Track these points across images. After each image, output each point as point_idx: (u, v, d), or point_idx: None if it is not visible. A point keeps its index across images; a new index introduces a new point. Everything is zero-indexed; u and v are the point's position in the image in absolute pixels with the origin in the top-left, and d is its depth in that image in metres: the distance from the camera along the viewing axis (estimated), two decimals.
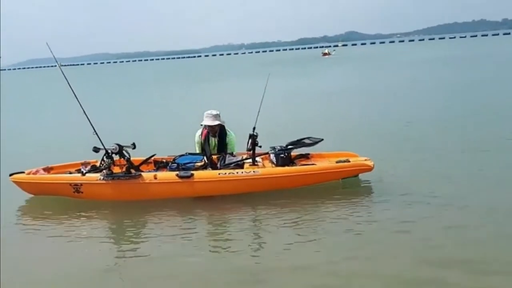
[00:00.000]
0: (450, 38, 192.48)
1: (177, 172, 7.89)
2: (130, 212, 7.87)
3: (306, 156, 8.90)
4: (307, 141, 8.59)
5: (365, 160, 8.56)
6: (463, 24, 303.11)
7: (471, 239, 6.37)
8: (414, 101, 21.47)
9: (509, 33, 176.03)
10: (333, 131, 13.76)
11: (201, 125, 8.97)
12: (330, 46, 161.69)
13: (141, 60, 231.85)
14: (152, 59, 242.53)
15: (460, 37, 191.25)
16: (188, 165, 8.18)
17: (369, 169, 8.36)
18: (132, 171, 7.85)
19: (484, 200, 7.81)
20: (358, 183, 8.78)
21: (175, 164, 8.23)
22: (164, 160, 8.65)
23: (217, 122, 8.80)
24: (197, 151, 9.09)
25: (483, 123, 14.66)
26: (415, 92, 24.66)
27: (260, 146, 8.45)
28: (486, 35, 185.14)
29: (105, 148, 7.79)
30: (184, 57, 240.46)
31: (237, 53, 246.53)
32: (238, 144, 9.39)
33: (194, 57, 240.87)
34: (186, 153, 8.70)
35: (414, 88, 26.25)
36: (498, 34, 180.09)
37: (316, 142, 8.55)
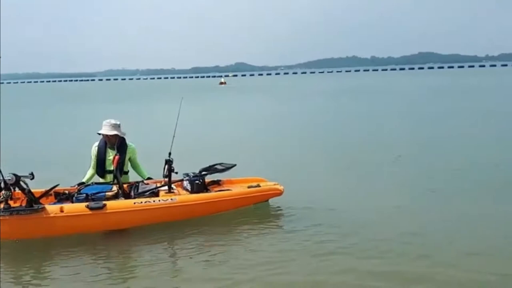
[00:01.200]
0: (328, 72, 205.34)
1: (87, 203, 6.78)
2: (33, 251, 6.70)
3: (217, 183, 8.41)
4: (219, 167, 8.15)
5: (275, 184, 8.30)
6: (338, 60, 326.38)
7: (380, 262, 6.25)
8: (316, 127, 22.01)
9: (377, 70, 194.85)
10: (242, 157, 13.19)
11: (98, 133, 7.89)
12: (221, 76, 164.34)
13: (30, 82, 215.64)
14: (43, 81, 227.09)
15: (337, 71, 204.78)
16: (98, 195, 7.05)
17: (280, 193, 8.13)
18: (34, 204, 6.59)
19: (392, 223, 7.85)
20: (269, 208, 8.46)
21: (83, 195, 7.06)
22: (67, 192, 7.46)
23: (114, 132, 7.68)
24: (92, 165, 8.01)
25: (376, 147, 15.39)
26: (316, 119, 25.29)
27: (176, 173, 7.78)
28: (358, 71, 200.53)
29: (2, 178, 6.39)
30: (77, 80, 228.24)
31: (132, 78, 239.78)
32: (153, 170, 8.57)
33: (88, 80, 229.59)
34: (92, 183, 7.68)
35: (313, 115, 27.04)
36: (368, 70, 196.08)
37: (229, 168, 8.15)
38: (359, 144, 16.35)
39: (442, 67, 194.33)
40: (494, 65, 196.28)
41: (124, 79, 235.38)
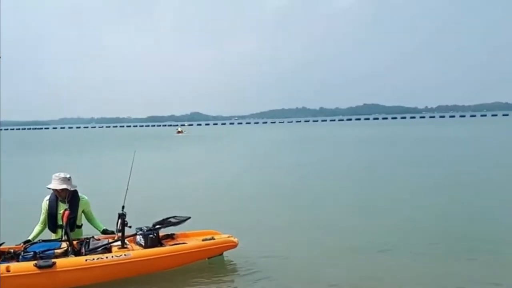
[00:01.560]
0: (279, 122, 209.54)
1: (35, 262, 6.35)
2: None
3: (171, 236, 8.10)
4: (173, 220, 7.84)
5: (229, 237, 8.12)
6: (289, 110, 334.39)
7: None
8: (269, 176, 22.04)
9: (325, 120, 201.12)
10: (196, 208, 13.16)
11: (48, 188, 7.51)
12: (177, 125, 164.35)
13: None
14: None
15: (288, 121, 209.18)
16: (46, 253, 6.63)
17: (234, 245, 7.98)
18: None
19: (345, 273, 7.86)
20: (223, 261, 8.29)
21: (30, 253, 6.60)
22: (12, 250, 6.94)
23: (64, 186, 7.34)
24: (42, 220, 7.60)
25: (328, 195, 15.62)
26: (267, 169, 25.30)
27: (130, 227, 7.41)
28: (308, 121, 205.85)
29: None
30: (30, 128, 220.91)
31: (87, 127, 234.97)
32: (106, 225, 8.22)
33: (41, 128, 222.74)
34: (39, 240, 7.20)
35: (264, 165, 27.19)
36: (317, 121, 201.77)
37: (183, 221, 7.83)
38: (312, 192, 16.55)
39: (386, 118, 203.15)
40: (433, 116, 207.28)
41: (79, 127, 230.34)
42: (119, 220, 7.33)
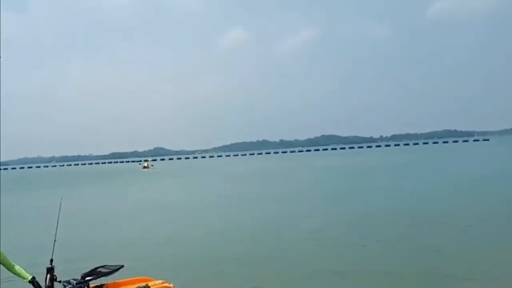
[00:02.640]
0: (242, 155, 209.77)
1: None
2: None
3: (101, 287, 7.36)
4: (103, 269, 7.10)
5: (163, 283, 7.50)
6: (250, 144, 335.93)
7: None
8: (212, 215, 21.15)
9: (286, 152, 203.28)
10: (129, 255, 12.48)
11: None
12: (141, 161, 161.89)
13: None
14: None
15: (250, 154, 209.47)
16: None
17: None
18: None
19: None
20: None
21: None
22: None
23: None
24: None
25: (275, 232, 15.08)
26: (215, 205, 24.50)
27: (60, 281, 6.76)
28: (269, 153, 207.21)
29: None
30: None
31: (47, 166, 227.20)
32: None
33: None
34: None
35: (214, 201, 26.34)
36: (278, 153, 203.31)
37: (115, 270, 7.15)
38: (259, 232, 15.77)
39: (344, 148, 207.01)
40: (389, 145, 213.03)
41: (39, 166, 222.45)
42: (48, 275, 6.58)
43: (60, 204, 7.32)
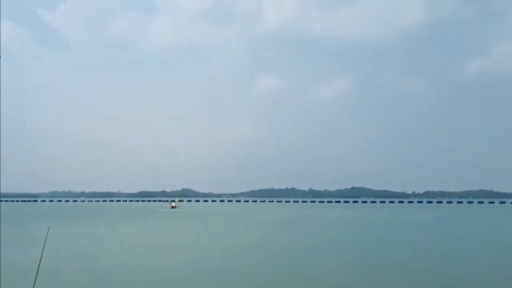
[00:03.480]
0: (269, 201, 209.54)
1: None
2: None
3: None
4: None
5: None
6: (278, 190, 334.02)
7: None
8: (230, 261, 21.46)
9: (314, 201, 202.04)
10: None
11: None
12: (167, 200, 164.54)
13: None
14: None
15: (277, 201, 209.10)
16: None
17: None
18: None
19: None
20: None
21: None
22: None
23: None
24: None
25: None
26: (236, 251, 25.28)
27: None
28: (297, 201, 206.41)
29: None
30: (18, 201, 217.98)
31: (76, 200, 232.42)
32: None
33: (30, 201, 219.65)
34: None
35: (236, 247, 27.25)
36: (306, 201, 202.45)
37: None
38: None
39: (375, 201, 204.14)
40: (421, 201, 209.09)
41: (68, 200, 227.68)
42: None
43: (47, 235, 6.81)
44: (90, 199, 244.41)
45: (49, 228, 7.13)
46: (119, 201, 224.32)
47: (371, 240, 29.98)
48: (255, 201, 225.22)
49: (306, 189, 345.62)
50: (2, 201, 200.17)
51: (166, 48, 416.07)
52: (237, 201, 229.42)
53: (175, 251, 24.94)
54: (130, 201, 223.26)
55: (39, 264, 5.91)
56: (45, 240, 6.36)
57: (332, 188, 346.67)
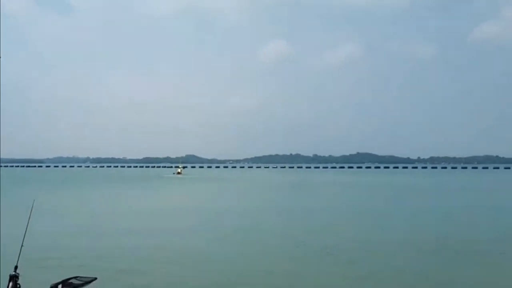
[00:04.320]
0: (273, 167, 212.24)
1: None
2: None
3: None
4: (75, 281, 6.36)
5: None
6: (283, 157, 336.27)
7: None
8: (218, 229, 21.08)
9: (318, 167, 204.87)
10: (104, 266, 12.51)
11: None
12: (171, 166, 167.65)
13: None
14: None
15: (281, 167, 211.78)
16: None
17: None
18: None
19: None
20: None
21: None
22: None
23: None
24: None
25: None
26: (227, 217, 25.05)
27: None
28: (301, 167, 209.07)
29: None
30: (23, 166, 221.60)
31: (80, 166, 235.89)
32: None
33: (35, 166, 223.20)
34: None
35: (228, 213, 26.95)
36: (310, 167, 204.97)
37: (87, 283, 6.46)
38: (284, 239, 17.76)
39: (379, 167, 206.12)
40: (425, 167, 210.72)
41: (73, 166, 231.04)
42: (10, 284, 5.97)
43: (32, 207, 6.63)
44: (95, 165, 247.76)
45: (34, 200, 6.60)
46: (123, 166, 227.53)
47: (353, 205, 31.53)
48: (259, 167, 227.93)
49: (311, 155, 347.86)
50: (2, 166, 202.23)
51: (170, 13, 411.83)
52: (241, 167, 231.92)
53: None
54: (134, 167, 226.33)
55: (24, 236, 5.70)
56: (31, 211, 6.07)
57: (337, 153, 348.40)
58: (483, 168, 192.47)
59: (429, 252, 15.00)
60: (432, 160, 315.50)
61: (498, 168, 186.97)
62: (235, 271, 12.38)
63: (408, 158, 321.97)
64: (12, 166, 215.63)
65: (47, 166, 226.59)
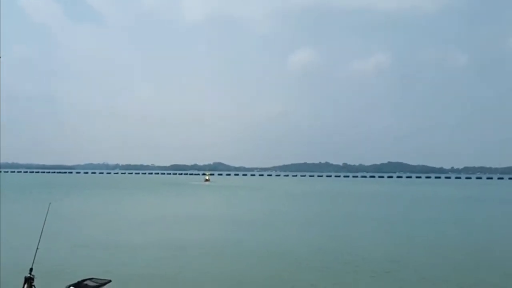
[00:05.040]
0: (301, 176, 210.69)
1: None
2: None
3: None
4: (90, 283, 6.73)
5: None
6: (312, 165, 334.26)
7: None
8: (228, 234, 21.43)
9: (348, 176, 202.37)
10: (118, 270, 12.60)
11: None
12: (198, 174, 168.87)
13: (7, 172, 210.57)
14: (20, 171, 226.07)
15: (309, 175, 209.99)
16: None
17: None
18: None
19: None
20: None
21: None
22: None
23: None
24: None
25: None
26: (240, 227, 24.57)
27: None
28: (330, 176, 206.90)
29: None
30: (54, 172, 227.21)
31: (109, 173, 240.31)
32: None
33: (65, 172, 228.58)
34: None
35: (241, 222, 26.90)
36: (340, 176, 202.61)
37: (102, 285, 6.80)
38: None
39: (410, 177, 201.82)
40: (459, 177, 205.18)
41: (102, 172, 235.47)
42: (25, 286, 6.21)
43: (48, 210, 6.82)
44: (124, 171, 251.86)
45: (50, 203, 7.26)
46: (151, 173, 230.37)
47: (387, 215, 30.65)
48: (287, 175, 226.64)
49: (340, 164, 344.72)
50: (37, 172, 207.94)
51: (198, 22, 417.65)
52: (268, 175, 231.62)
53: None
54: (162, 174, 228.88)
55: (39, 239, 6.05)
56: (46, 215, 6.40)
57: (368, 163, 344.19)
58: None
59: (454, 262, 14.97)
60: (466, 170, 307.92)
61: None
62: (254, 282, 12.23)
63: (442, 168, 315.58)
64: (44, 172, 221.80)
65: (77, 173, 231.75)
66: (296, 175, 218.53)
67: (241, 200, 45.79)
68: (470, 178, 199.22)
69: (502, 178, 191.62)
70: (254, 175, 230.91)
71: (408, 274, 13.33)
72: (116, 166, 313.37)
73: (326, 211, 33.32)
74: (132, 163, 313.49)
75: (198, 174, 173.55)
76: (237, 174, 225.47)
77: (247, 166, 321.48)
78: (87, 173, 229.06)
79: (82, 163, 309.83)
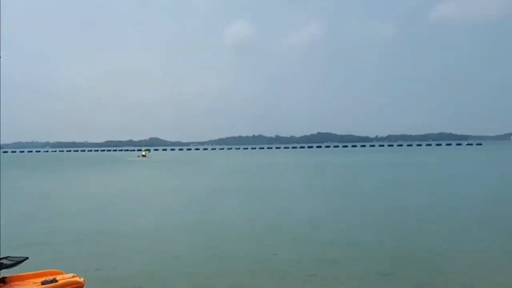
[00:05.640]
0: (236, 148, 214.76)
1: None
2: None
3: (3, 281, 6.59)
4: (6, 261, 6.55)
5: (73, 276, 7.04)
6: (246, 138, 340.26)
7: None
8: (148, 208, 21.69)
9: (280, 147, 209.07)
10: (38, 247, 12.58)
11: None
12: (134, 150, 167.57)
13: None
14: None
15: (244, 148, 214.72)
16: None
17: (81, 285, 7.01)
18: None
19: None
20: None
21: None
22: None
23: None
24: None
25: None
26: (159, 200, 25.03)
27: None
28: (263, 148, 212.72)
29: None
30: None
31: (39, 151, 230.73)
32: None
33: None
34: None
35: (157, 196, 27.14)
36: (272, 148, 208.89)
37: (19, 262, 6.67)
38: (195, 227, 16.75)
39: (338, 146, 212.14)
40: (383, 145, 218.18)
41: (31, 151, 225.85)
42: None
43: None
44: (55, 149, 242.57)
45: None
46: (84, 151, 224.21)
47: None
48: (222, 148, 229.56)
49: (273, 136, 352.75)
50: None
51: None
52: (204, 149, 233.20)
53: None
54: (95, 150, 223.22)
55: None
56: None
57: (299, 134, 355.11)
58: (437, 145, 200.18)
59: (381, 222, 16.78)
60: (390, 138, 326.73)
61: (450, 144, 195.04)
62: (198, 256, 12.55)
63: (367, 136, 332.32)
64: None
65: (4, 152, 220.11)
66: (231, 148, 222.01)
67: (179, 174, 48.05)
68: (392, 145, 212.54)
69: (420, 145, 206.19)
70: (190, 149, 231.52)
71: (328, 237, 14.27)
72: (46, 144, 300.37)
73: (261, 184, 34.98)
74: (64, 140, 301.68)
75: (134, 150, 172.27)
76: (173, 149, 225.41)
77: (183, 140, 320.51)
78: (14, 152, 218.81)
79: (10, 142, 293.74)
